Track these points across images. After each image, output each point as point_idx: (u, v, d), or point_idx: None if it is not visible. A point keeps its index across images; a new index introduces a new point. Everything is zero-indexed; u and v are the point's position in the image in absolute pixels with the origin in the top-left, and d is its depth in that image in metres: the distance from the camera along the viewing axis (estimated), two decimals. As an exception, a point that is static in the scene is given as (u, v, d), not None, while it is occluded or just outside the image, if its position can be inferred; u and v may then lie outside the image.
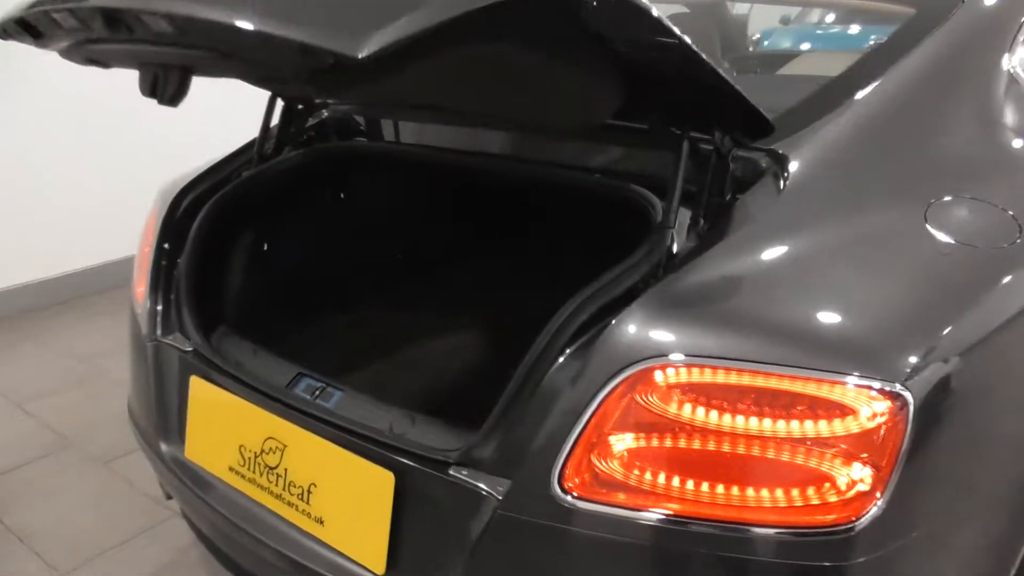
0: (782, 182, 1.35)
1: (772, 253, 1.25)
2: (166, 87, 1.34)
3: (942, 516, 1.17)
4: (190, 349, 1.67)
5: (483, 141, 1.86)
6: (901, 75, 1.54)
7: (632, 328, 1.16)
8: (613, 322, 1.16)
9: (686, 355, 1.13)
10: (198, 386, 1.64)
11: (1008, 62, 1.64)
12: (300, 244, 2.04)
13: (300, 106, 1.99)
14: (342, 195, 2.12)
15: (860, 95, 1.49)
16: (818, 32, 6.86)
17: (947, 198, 1.37)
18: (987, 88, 1.57)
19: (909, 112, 1.50)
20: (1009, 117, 1.55)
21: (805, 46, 5.90)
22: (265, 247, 1.97)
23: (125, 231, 3.93)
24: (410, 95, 1.51)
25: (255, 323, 1.87)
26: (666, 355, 1.13)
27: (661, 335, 1.15)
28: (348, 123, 2.06)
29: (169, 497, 1.92)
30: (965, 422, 1.17)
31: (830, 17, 7.58)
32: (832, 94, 1.52)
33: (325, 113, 2.07)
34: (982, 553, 1.25)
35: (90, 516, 2.40)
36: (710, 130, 1.33)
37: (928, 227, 1.30)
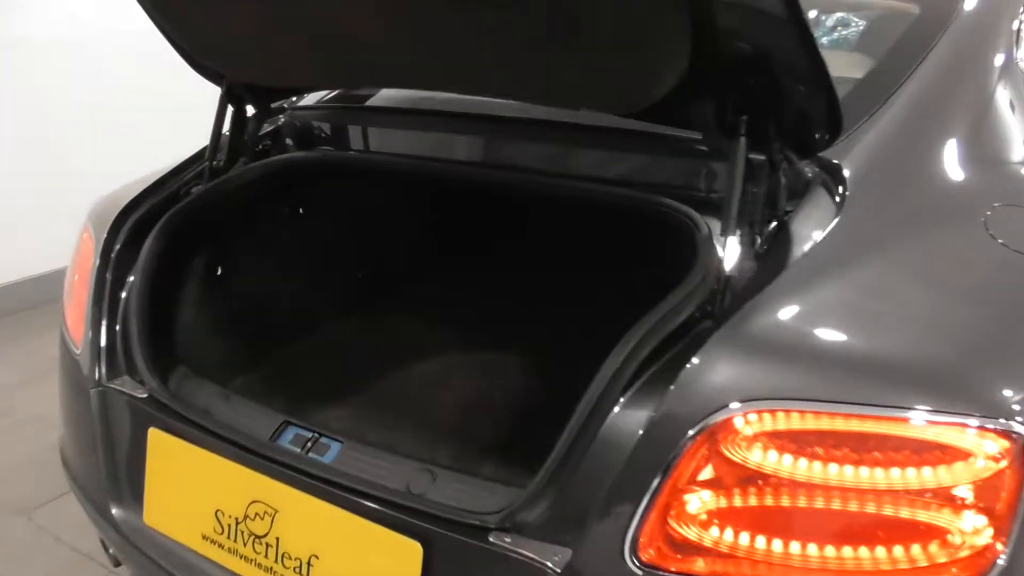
0: (836, 195, 1.23)
1: (845, 277, 1.12)
2: None
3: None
4: (145, 395, 1.43)
5: (471, 150, 1.69)
6: (931, 75, 1.45)
7: (710, 370, 1.01)
8: (688, 365, 1.01)
9: (772, 399, 0.99)
10: (158, 440, 1.40)
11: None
12: (259, 267, 1.81)
13: (253, 111, 1.76)
14: (301, 210, 1.90)
15: (896, 98, 1.39)
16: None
17: (1001, 206, 1.28)
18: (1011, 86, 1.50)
19: (947, 114, 1.40)
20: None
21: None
22: (219, 271, 1.73)
23: (21, 249, 3.58)
24: (435, 52, 1.29)
25: (217, 360, 1.64)
26: (750, 400, 0.99)
27: (743, 377, 1.01)
28: (308, 130, 1.84)
29: (117, 564, 1.67)
30: None
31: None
32: (864, 98, 1.41)
33: (282, 119, 1.85)
34: None
35: (11, 579, 2.11)
36: (767, 133, 1.18)
37: (992, 238, 1.20)
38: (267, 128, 1.81)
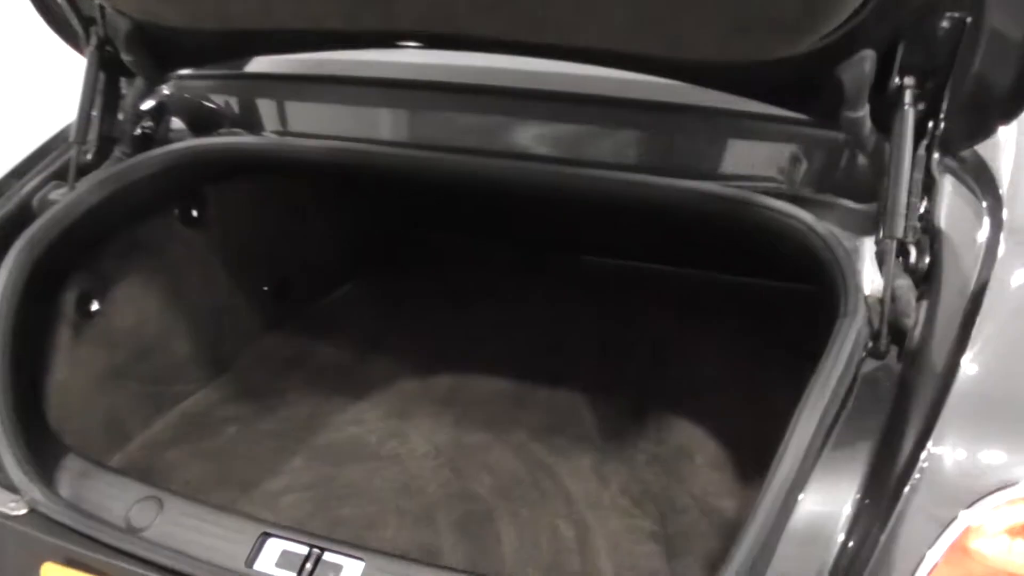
0: (985, 196, 0.99)
1: None
2: None
3: None
4: (23, 511, 0.96)
5: (436, 130, 1.32)
6: None
7: (937, 454, 0.76)
8: (923, 455, 0.74)
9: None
10: (59, 579, 0.94)
11: None
12: (147, 294, 1.33)
13: (131, 79, 1.27)
14: (196, 213, 1.42)
15: None
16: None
17: None
18: None
19: None
20: None
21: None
22: (95, 307, 1.25)
23: None
24: None
25: (118, 439, 1.19)
26: (997, 488, 0.74)
27: (981, 459, 0.77)
28: (203, 106, 1.37)
29: None
30: None
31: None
32: None
33: (165, 91, 1.36)
34: None
35: None
36: (934, 107, 0.91)
37: None
38: (147, 104, 1.33)
